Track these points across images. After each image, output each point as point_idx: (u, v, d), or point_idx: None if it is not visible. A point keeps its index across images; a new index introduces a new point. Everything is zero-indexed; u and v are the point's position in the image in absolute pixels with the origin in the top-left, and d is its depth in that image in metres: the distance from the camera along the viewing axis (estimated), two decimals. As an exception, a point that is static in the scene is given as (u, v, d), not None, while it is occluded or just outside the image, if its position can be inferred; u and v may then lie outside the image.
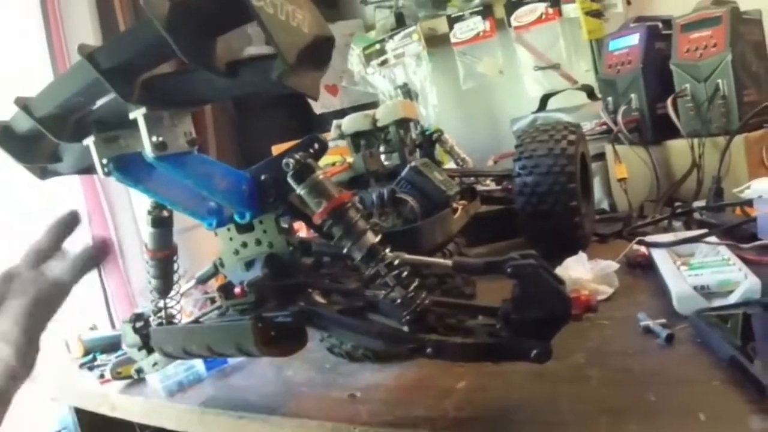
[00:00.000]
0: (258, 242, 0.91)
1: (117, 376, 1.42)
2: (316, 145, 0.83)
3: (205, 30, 0.61)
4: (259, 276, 0.88)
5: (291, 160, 0.78)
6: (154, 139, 0.73)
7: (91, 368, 1.73)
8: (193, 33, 0.59)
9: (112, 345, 1.80)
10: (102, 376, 1.57)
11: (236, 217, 0.89)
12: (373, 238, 0.78)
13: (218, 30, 0.62)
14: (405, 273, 0.78)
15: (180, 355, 0.96)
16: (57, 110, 0.76)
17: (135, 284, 2.50)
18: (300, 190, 0.78)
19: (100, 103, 0.77)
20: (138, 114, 0.73)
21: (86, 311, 2.36)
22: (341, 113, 2.60)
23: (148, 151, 0.74)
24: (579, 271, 1.21)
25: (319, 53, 0.65)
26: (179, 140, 0.77)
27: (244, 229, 0.92)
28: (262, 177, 0.87)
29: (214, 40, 0.62)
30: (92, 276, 2.40)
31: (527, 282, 0.76)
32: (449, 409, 0.90)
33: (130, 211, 2.50)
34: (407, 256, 0.80)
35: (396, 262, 0.78)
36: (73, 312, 2.15)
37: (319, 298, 0.90)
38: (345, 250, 0.78)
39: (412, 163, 1.24)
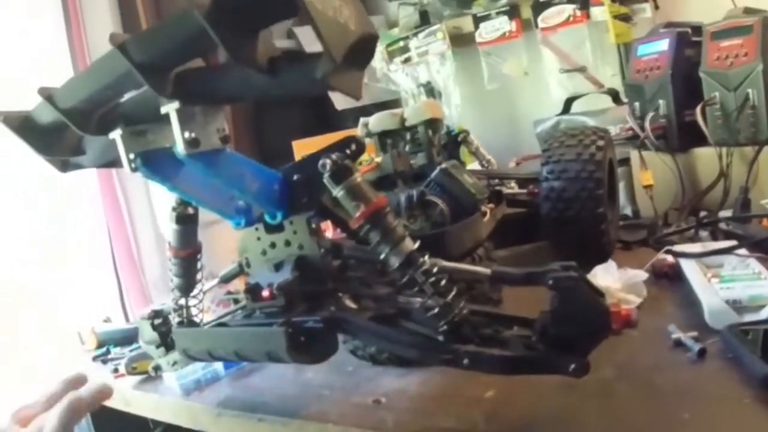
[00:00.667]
0: (287, 243, 0.89)
1: (132, 371, 1.40)
2: (354, 146, 0.81)
3: (248, 24, 0.58)
4: (288, 279, 0.85)
5: (328, 161, 0.75)
6: (186, 135, 0.70)
7: (104, 361, 1.71)
8: (235, 26, 0.57)
9: (125, 338, 1.79)
10: (116, 370, 1.56)
11: (267, 218, 0.86)
12: (411, 245, 0.75)
13: (262, 24, 0.59)
14: (443, 281, 0.75)
15: (205, 359, 0.94)
16: (83, 102, 0.73)
17: (149, 277, 2.49)
18: (337, 193, 0.76)
19: (128, 96, 0.74)
20: (170, 108, 0.70)
21: (100, 303, 2.35)
22: (362, 110, 2.58)
23: (180, 148, 0.71)
24: (607, 279, 1.18)
25: (362, 52, 0.63)
26: (212, 137, 0.74)
27: (274, 229, 0.89)
28: (295, 177, 0.84)
29: (256, 34, 0.59)
30: (106, 267, 2.41)
31: (567, 295, 0.73)
32: (479, 420, 0.87)
33: (146, 203, 2.49)
34: (445, 263, 0.78)
35: (435, 269, 0.75)
36: (87, 304, 2.16)
37: (350, 303, 0.87)
38: (382, 257, 0.76)
39: (443, 165, 1.22)
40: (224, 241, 1.50)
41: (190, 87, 0.68)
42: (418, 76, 2.84)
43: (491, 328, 0.79)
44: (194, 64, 0.69)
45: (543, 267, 0.76)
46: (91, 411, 0.83)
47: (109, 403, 1.53)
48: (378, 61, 2.90)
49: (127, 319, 2.40)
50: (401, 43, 2.83)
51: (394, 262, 0.75)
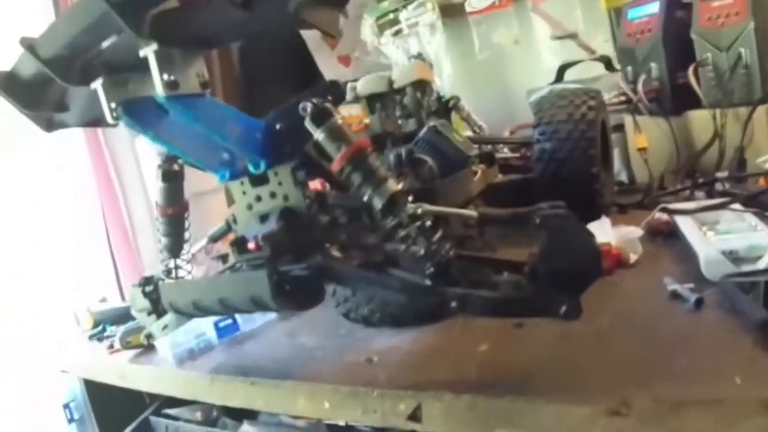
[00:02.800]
0: (273, 195, 0.87)
1: (126, 345, 1.40)
2: (334, 91, 0.80)
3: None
4: (274, 229, 0.84)
5: (308, 104, 0.74)
6: (165, 77, 0.69)
7: (100, 339, 1.72)
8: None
9: (121, 316, 1.79)
10: (111, 346, 1.56)
11: (250, 167, 0.85)
12: (394, 186, 0.74)
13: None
14: (428, 223, 0.74)
15: (191, 311, 0.92)
16: (64, 51, 0.72)
17: (144, 256, 2.49)
18: (318, 135, 0.74)
19: (108, 43, 0.73)
20: (149, 51, 0.68)
21: (96, 284, 2.35)
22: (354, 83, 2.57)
23: (159, 90, 0.70)
24: (602, 236, 1.17)
25: (338, -10, 0.62)
26: (191, 81, 0.73)
27: (259, 181, 0.88)
28: (278, 126, 0.83)
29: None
30: (101, 248, 2.40)
31: (556, 233, 0.72)
32: (472, 372, 0.86)
33: (139, 182, 2.47)
34: (429, 206, 0.76)
35: (419, 211, 0.74)
36: (82, 284, 2.16)
37: (336, 253, 0.86)
38: (365, 198, 0.74)
39: (431, 123, 1.21)
40: (216, 212, 1.49)
41: (168, 27, 0.67)
42: (409, 48, 2.82)
43: (480, 273, 0.78)
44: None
45: (530, 207, 0.75)
46: None
47: (105, 378, 1.54)
48: (368, 34, 2.88)
49: (123, 299, 2.40)
50: (391, 16, 2.81)
51: (378, 203, 0.74)
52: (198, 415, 1.46)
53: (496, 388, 0.80)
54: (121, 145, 2.42)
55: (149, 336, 1.17)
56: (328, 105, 0.75)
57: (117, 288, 2.44)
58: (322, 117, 0.74)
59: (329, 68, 2.86)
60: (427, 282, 0.75)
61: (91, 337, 1.77)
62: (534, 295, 0.73)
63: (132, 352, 1.42)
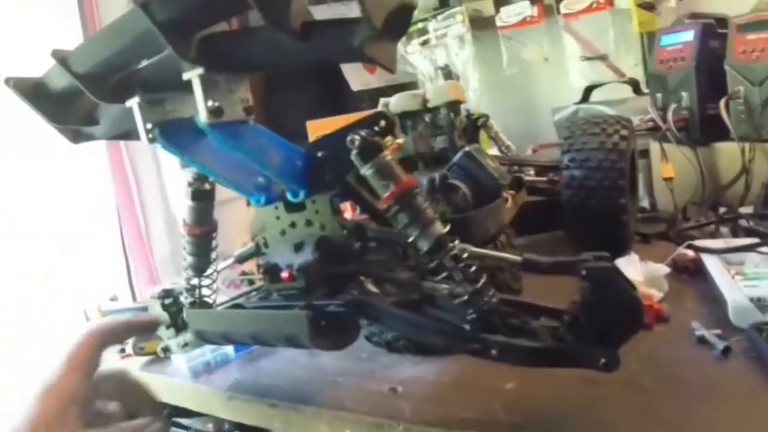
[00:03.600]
0: (308, 223, 0.85)
1: (140, 351, 1.37)
2: (383, 123, 0.77)
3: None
4: (309, 260, 0.82)
5: (357, 137, 0.71)
6: (209, 103, 0.66)
7: None
8: (268, -14, 0.53)
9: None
10: (123, 350, 1.53)
11: (289, 195, 0.82)
12: (441, 229, 0.72)
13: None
14: (473, 268, 0.72)
15: (219, 341, 0.91)
16: (99, 67, 0.70)
17: (157, 255, 2.47)
18: (365, 171, 0.72)
19: (146, 62, 0.70)
20: (193, 75, 0.65)
21: (107, 281, 2.33)
22: (378, 91, 2.56)
23: (203, 117, 0.67)
24: (630, 272, 1.15)
25: (399, 22, 0.59)
26: (235, 107, 0.70)
27: (294, 208, 0.86)
28: (319, 153, 0.81)
29: (290, -4, 0.56)
30: (115, 245, 2.39)
31: (600, 286, 0.70)
32: (499, 411, 0.84)
33: (156, 182, 2.46)
34: (474, 248, 0.74)
35: (464, 255, 0.72)
36: (94, 281, 2.14)
37: (372, 288, 0.84)
38: (411, 239, 0.72)
39: (466, 148, 1.19)
40: (237, 221, 1.47)
41: (215, 52, 0.64)
42: (436, 58, 2.81)
43: (518, 318, 0.76)
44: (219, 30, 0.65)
45: (575, 257, 0.72)
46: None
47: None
48: (395, 43, 2.87)
49: (134, 298, 2.39)
50: (420, 25, 2.81)
51: (424, 245, 0.72)
52: (210, 427, 1.44)
53: (524, 431, 0.79)
54: (139, 143, 2.40)
55: (167, 349, 1.15)
56: (378, 139, 0.73)
57: (128, 286, 2.43)
58: (371, 152, 0.71)
59: (355, 75, 2.85)
60: (467, 327, 0.73)
61: (100, 337, 1.74)
62: (573, 346, 0.71)
63: (144, 359, 1.40)
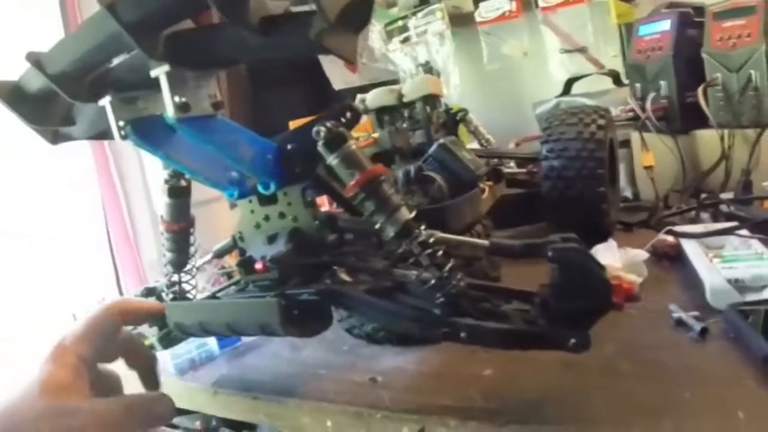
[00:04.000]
0: (282, 216, 0.86)
1: None
2: (349, 114, 0.78)
3: (238, -20, 0.56)
4: (282, 251, 0.83)
5: (322, 128, 0.73)
6: (176, 99, 0.67)
7: None
8: (225, -18, 0.54)
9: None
10: None
11: (260, 188, 0.84)
12: (407, 214, 0.73)
13: (253, -20, 0.57)
14: (440, 253, 0.73)
15: (197, 332, 0.91)
16: (72, 67, 0.71)
17: (145, 257, 2.47)
18: (331, 161, 0.73)
19: (118, 60, 0.72)
20: (160, 72, 0.67)
21: (95, 283, 2.33)
22: (361, 90, 2.56)
23: (170, 113, 0.68)
24: (608, 258, 1.16)
25: (358, 14, 0.60)
26: (203, 102, 0.71)
27: (268, 201, 0.87)
28: (289, 146, 0.82)
29: (247, -8, 0.57)
30: (102, 247, 2.39)
31: (568, 267, 0.71)
32: (477, 398, 0.85)
33: (142, 182, 2.46)
34: (442, 234, 0.76)
35: (431, 240, 0.73)
36: (81, 284, 2.14)
37: (345, 277, 0.85)
38: (377, 226, 0.73)
39: (440, 141, 1.20)
40: (221, 220, 1.48)
41: (181, 49, 0.66)
42: (417, 56, 2.82)
43: (490, 302, 0.77)
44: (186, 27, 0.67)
45: (542, 239, 0.74)
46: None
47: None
48: (376, 41, 2.88)
49: (122, 300, 2.38)
50: (400, 23, 2.82)
51: (390, 231, 0.73)
52: (197, 425, 1.45)
53: (502, 416, 0.80)
54: (124, 143, 2.40)
55: (151, 347, 1.16)
56: (343, 130, 0.74)
57: (116, 288, 2.43)
58: (336, 142, 0.73)
59: (337, 74, 2.85)
60: (437, 312, 0.74)
61: (90, 339, 1.75)
62: (543, 328, 0.72)
63: (131, 359, 1.41)
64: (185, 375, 1.23)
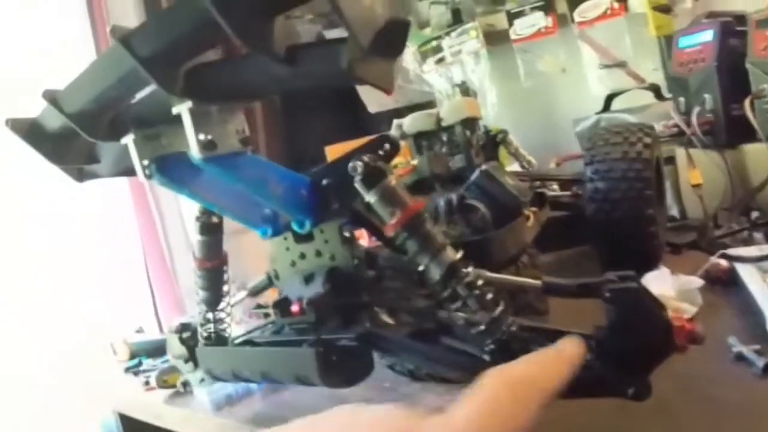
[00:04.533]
0: (318, 254, 0.82)
1: (163, 384, 1.38)
2: (387, 146, 0.74)
3: (260, 8, 0.51)
4: (319, 292, 0.79)
5: (359, 163, 0.68)
6: (201, 137, 0.63)
7: (136, 373, 1.70)
8: (247, 11, 0.50)
9: (158, 349, 1.77)
10: (147, 383, 1.54)
11: (294, 226, 0.80)
12: (453, 255, 0.68)
13: (276, 9, 0.52)
14: (489, 294, 0.68)
15: (229, 379, 0.88)
16: (90, 105, 0.67)
17: (183, 286, 2.46)
18: (369, 198, 0.68)
19: (139, 96, 0.68)
20: (182, 108, 0.62)
21: (133, 313, 2.33)
22: (396, 112, 2.54)
23: (195, 152, 0.64)
24: (660, 286, 1.11)
25: (393, 40, 0.56)
26: (230, 139, 0.67)
27: (303, 238, 0.83)
28: (324, 181, 0.78)
29: (271, 20, 0.53)
30: (139, 275, 2.38)
31: (626, 309, 0.66)
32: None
33: (177, 209, 2.45)
34: (490, 274, 0.71)
35: (479, 282, 0.68)
36: (120, 314, 2.15)
37: (386, 318, 0.81)
38: (421, 267, 0.68)
39: (482, 167, 1.15)
40: (253, 250, 1.45)
41: (203, 83, 0.61)
42: (452, 76, 2.79)
43: (541, 345, 0.72)
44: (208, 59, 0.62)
45: (598, 277, 0.69)
46: None
47: (140, 415, 1.51)
48: (411, 62, 2.86)
49: (160, 330, 2.38)
50: (434, 43, 2.80)
51: (435, 273, 0.68)
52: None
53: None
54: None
55: (186, 384, 1.13)
56: (381, 164, 0.69)
57: (155, 318, 2.42)
58: (374, 178, 0.68)
59: (371, 96, 2.83)
60: (487, 358, 0.69)
61: (127, 370, 1.75)
62: (600, 375, 0.67)
63: (168, 391, 1.39)
64: (222, 410, 1.21)
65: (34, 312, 2.10)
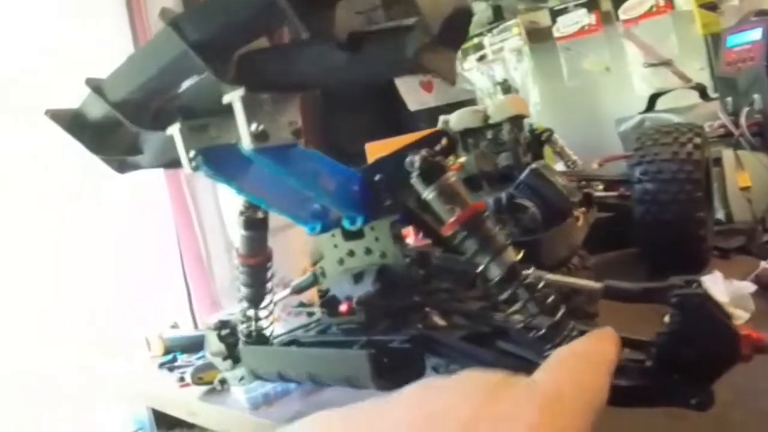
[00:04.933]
0: (368, 251, 0.79)
1: (198, 381, 1.36)
2: (444, 141, 0.71)
3: (324, -7, 0.49)
4: (370, 291, 0.76)
5: (417, 158, 0.65)
6: (253, 127, 0.60)
7: (171, 369, 1.69)
8: (308, -6, 0.47)
9: (193, 345, 1.76)
10: (182, 379, 1.52)
11: (345, 223, 0.77)
12: (514, 255, 0.65)
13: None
14: (550, 298, 0.65)
15: (274, 380, 0.85)
16: (136, 93, 0.64)
17: (218, 282, 2.45)
18: (427, 194, 0.65)
19: (186, 84, 0.65)
20: (234, 97, 0.60)
21: (168, 309, 2.32)
22: (436, 111, 2.51)
23: (246, 142, 0.61)
24: (714, 292, 1.07)
25: (456, 28, 0.53)
26: (282, 130, 0.64)
27: (353, 236, 0.80)
28: (377, 177, 0.75)
29: (333, 6, 0.50)
30: (175, 272, 2.38)
31: (692, 315, 0.63)
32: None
33: (215, 207, 2.44)
34: (551, 276, 0.68)
35: (540, 285, 0.65)
36: (155, 309, 2.15)
37: (439, 320, 0.78)
38: (480, 268, 0.65)
39: (532, 166, 1.12)
40: (296, 247, 1.43)
41: (256, 71, 0.58)
42: (494, 74, 2.76)
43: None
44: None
45: (662, 282, 0.66)
46: None
47: (174, 411, 1.50)
48: (452, 60, 2.83)
49: (195, 325, 2.37)
50: (475, 41, 2.77)
51: (495, 274, 0.64)
52: (269, 464, 1.41)
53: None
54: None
55: (223, 381, 1.11)
56: (440, 159, 0.66)
57: (189, 314, 2.41)
58: (433, 174, 0.65)
59: (412, 94, 2.81)
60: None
61: (161, 365, 1.74)
62: (662, 383, 0.64)
63: (203, 388, 1.38)
64: (259, 410, 1.19)
65: (70, 305, 2.10)
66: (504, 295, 0.65)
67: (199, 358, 1.58)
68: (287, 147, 0.66)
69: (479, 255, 0.64)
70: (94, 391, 2.03)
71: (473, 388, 0.48)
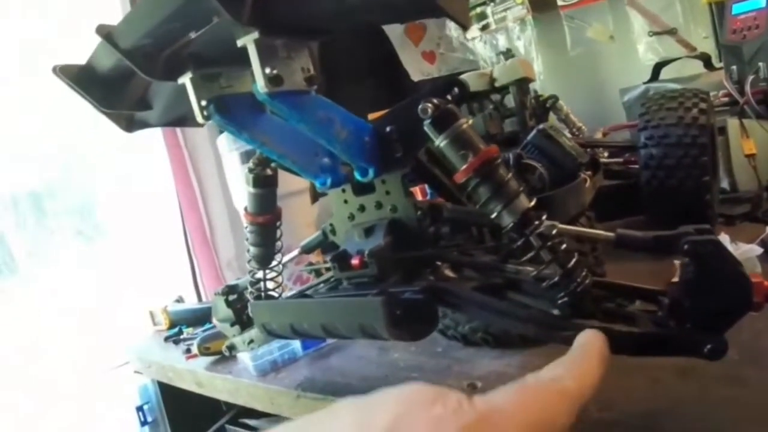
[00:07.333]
0: (379, 206, 0.79)
1: (205, 351, 1.35)
2: (456, 90, 0.70)
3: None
4: (381, 244, 0.75)
5: (430, 105, 0.64)
6: (267, 71, 0.60)
7: (176, 342, 1.69)
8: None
9: (198, 318, 1.76)
10: (188, 350, 1.52)
11: (357, 175, 0.76)
12: (527, 202, 0.65)
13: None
14: (563, 246, 0.65)
15: (286, 334, 0.84)
16: (147, 40, 0.64)
17: (222, 256, 2.45)
18: (440, 141, 0.65)
19: (198, 32, 0.65)
20: (249, 40, 0.59)
21: (172, 282, 2.32)
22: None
23: (261, 86, 0.60)
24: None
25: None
26: (296, 76, 0.63)
27: (363, 190, 0.80)
28: (388, 128, 0.74)
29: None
30: (179, 245, 2.37)
31: (705, 263, 0.62)
32: (591, 409, 0.76)
33: (218, 180, 2.43)
34: (564, 226, 0.67)
35: (554, 232, 0.65)
36: (159, 283, 2.14)
37: (450, 273, 0.77)
38: (493, 215, 0.65)
39: (540, 126, 1.12)
40: (302, 214, 1.43)
41: (271, 14, 0.58)
42: (497, 43, 2.74)
43: (613, 301, 0.69)
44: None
45: (675, 230, 0.65)
46: None
47: (181, 383, 1.49)
48: (454, 29, 2.81)
49: (199, 298, 2.37)
50: (478, 10, 2.73)
51: (507, 221, 0.64)
52: (279, 429, 1.41)
53: (618, 428, 0.72)
54: (199, 139, 2.38)
55: (232, 347, 1.11)
56: (453, 106, 0.66)
57: (193, 287, 2.41)
58: (446, 120, 0.64)
59: (414, 65, 2.80)
60: (558, 313, 0.65)
61: (167, 339, 1.74)
62: (676, 332, 0.64)
63: (209, 359, 1.37)
64: (267, 377, 1.19)
65: (73, 280, 2.10)
66: (517, 243, 0.64)
67: (204, 331, 1.58)
68: (301, 93, 0.65)
69: (492, 202, 0.64)
70: (98, 364, 2.04)
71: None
